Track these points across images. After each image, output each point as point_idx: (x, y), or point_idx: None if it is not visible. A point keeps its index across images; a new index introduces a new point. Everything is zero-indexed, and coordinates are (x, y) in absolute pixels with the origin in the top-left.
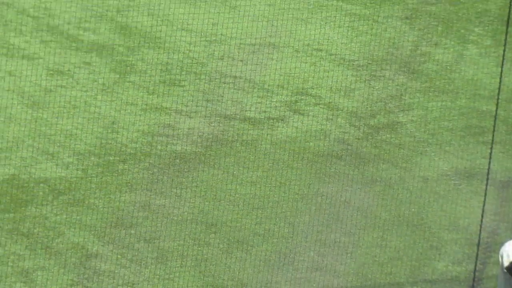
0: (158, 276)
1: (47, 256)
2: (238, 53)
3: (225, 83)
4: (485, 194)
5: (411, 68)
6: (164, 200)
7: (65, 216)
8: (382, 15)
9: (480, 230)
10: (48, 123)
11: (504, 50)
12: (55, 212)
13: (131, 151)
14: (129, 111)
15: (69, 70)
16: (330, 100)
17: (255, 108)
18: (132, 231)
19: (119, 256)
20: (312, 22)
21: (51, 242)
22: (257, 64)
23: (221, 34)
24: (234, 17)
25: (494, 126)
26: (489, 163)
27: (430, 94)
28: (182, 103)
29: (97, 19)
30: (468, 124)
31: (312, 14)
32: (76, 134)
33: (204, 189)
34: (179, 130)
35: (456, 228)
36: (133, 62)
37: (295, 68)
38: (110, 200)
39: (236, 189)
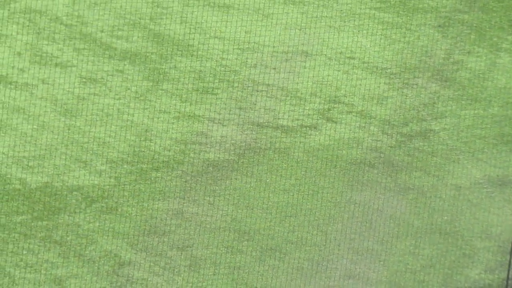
0: (191, 284)
1: (80, 264)
2: (271, 61)
3: (258, 91)
4: None
5: (444, 76)
6: (197, 208)
7: (98, 224)
8: (415, 23)
9: None
10: (81, 131)
11: None
12: (88, 219)
13: (164, 159)
14: (162, 119)
15: (102, 78)
16: (363, 108)
17: (288, 116)
18: (165, 239)
19: (152, 264)
20: (345, 30)
21: (84, 250)
22: (290, 72)
23: (254, 42)
24: (267, 25)
25: None
26: None
27: (463, 102)
28: (215, 111)
29: (130, 27)
30: (500, 132)
31: (345, 22)
32: (109, 142)
33: (237, 197)
34: (212, 138)
35: (489, 236)
36: (166, 70)
37: (327, 76)
38: (143, 208)
39: (269, 197)
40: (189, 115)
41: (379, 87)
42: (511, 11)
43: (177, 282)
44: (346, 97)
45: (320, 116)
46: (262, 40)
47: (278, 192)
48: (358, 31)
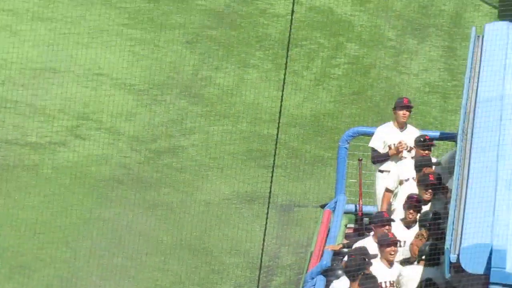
0: None
1: None
2: (19, 78)
3: (5, 108)
4: (267, 218)
5: (192, 92)
6: None
7: None
8: (163, 39)
9: (262, 254)
10: None
11: (284, 74)
12: None
13: None
14: None
15: None
16: (112, 125)
17: (37, 133)
18: None
19: None
20: (93, 46)
21: None
22: (38, 89)
23: (2, 59)
24: (15, 42)
25: (275, 150)
26: (270, 186)
27: (211, 118)
28: None
29: None
30: (249, 148)
31: (93, 38)
32: None
33: None
34: None
35: (238, 252)
36: None
37: (76, 92)
38: None
39: (18, 214)
40: None
41: (128, 103)
42: (258, 27)
43: None
44: (95, 113)
45: (69, 133)
46: (10, 57)
47: (27, 209)
48: (106, 47)
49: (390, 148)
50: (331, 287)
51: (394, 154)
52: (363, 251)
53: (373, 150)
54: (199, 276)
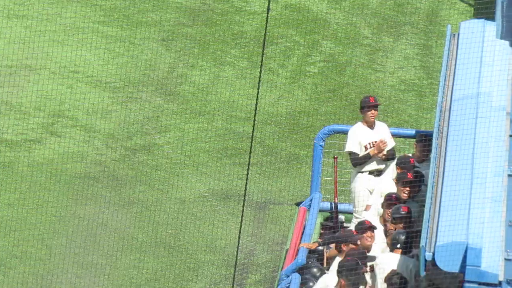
0: None
1: None
2: None
3: None
4: (242, 215)
5: (168, 90)
6: None
7: None
8: (138, 37)
9: (237, 251)
10: None
11: (260, 72)
12: None
13: None
14: None
15: None
16: (87, 122)
17: (12, 130)
18: None
19: None
20: (68, 44)
21: None
22: (13, 86)
23: None
24: None
25: (250, 148)
26: (246, 184)
27: (187, 115)
28: None
29: None
30: (224, 146)
31: (69, 36)
32: None
33: None
34: None
35: (213, 249)
36: None
37: (51, 90)
38: None
39: None
40: None
41: (103, 101)
42: (234, 25)
43: None
44: (70, 111)
45: (44, 130)
46: None
47: (2, 207)
48: (82, 45)
49: (366, 148)
50: (321, 280)
51: (376, 154)
52: (361, 254)
53: (352, 153)
54: (174, 274)
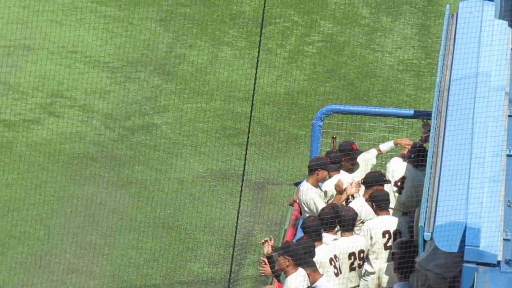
0: None
1: None
2: None
3: None
4: (240, 196)
5: (166, 70)
6: None
7: None
8: (137, 17)
9: (236, 232)
10: None
11: (258, 52)
12: None
13: None
14: None
15: None
16: (85, 102)
17: (10, 110)
18: None
19: None
20: (67, 24)
21: None
22: (12, 67)
23: None
24: None
25: (249, 128)
26: (244, 164)
27: (185, 96)
28: None
29: None
30: (223, 126)
31: (67, 16)
32: None
33: None
34: None
35: (212, 229)
36: None
37: (50, 70)
38: None
39: None
40: None
41: (102, 81)
42: (232, 5)
43: None
44: (69, 91)
45: (43, 111)
46: None
47: (0, 187)
48: (80, 25)
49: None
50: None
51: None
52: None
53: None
54: (173, 254)
